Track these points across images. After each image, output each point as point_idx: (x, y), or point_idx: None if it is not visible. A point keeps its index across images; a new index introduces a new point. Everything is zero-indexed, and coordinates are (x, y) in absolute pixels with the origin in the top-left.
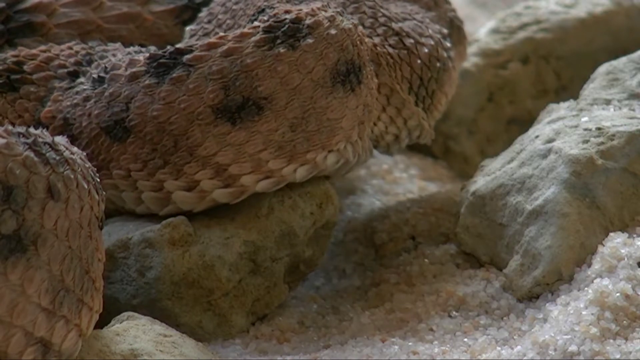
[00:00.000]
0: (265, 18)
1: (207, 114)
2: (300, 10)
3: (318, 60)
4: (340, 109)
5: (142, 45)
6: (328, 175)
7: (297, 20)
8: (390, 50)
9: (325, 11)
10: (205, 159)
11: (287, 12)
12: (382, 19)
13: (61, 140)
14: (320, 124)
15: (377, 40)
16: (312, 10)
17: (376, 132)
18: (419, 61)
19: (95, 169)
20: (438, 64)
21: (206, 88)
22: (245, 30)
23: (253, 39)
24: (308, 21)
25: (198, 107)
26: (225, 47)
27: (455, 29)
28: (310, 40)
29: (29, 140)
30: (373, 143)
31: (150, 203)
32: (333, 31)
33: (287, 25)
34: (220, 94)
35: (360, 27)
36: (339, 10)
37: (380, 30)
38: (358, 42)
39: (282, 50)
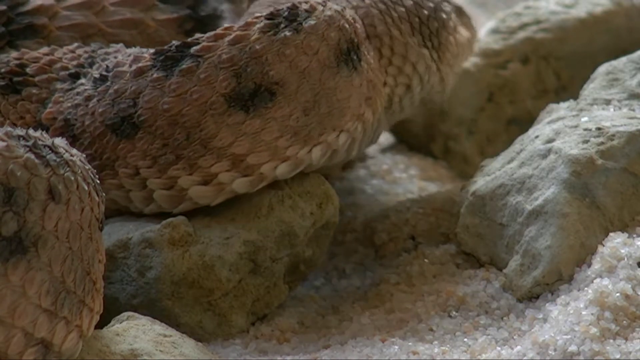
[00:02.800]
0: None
1: (220, 103)
2: None
3: (322, 41)
4: (347, 89)
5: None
6: (338, 160)
7: (294, 7)
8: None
9: None
10: (221, 150)
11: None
12: None
13: (61, 142)
14: (331, 106)
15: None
16: None
17: (387, 90)
18: (411, 2)
19: (99, 168)
20: (433, 5)
21: (218, 77)
22: (249, 19)
23: (257, 26)
24: (304, 6)
25: (210, 96)
26: (232, 36)
27: (457, 9)
28: (312, 22)
29: (29, 143)
30: (386, 107)
31: (163, 201)
32: (329, 12)
33: (287, 12)
34: (232, 81)
35: (347, 10)
36: None
37: None
38: (352, 21)
39: (287, 34)
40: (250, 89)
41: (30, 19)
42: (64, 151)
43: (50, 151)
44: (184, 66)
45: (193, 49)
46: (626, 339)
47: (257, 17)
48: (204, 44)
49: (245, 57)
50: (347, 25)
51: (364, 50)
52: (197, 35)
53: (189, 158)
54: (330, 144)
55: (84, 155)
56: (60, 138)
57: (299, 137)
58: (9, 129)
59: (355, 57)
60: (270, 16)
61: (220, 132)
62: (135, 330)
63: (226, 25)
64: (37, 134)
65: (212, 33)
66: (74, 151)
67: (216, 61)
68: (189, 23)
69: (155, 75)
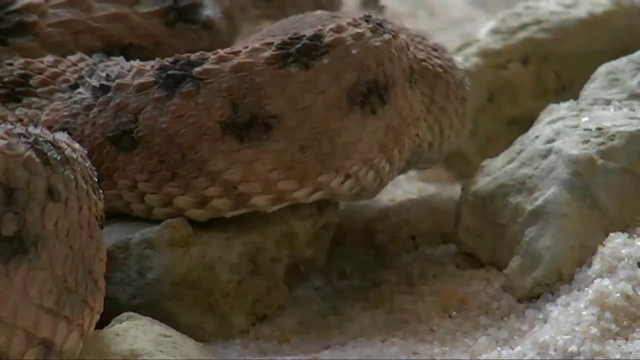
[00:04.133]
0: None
1: (215, 129)
2: (324, 26)
3: (333, 80)
4: (356, 132)
5: (141, 59)
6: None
7: (316, 38)
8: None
9: (357, 25)
10: (214, 174)
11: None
12: (417, 39)
13: (62, 136)
14: (334, 147)
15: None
16: (338, 26)
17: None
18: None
19: (98, 178)
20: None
21: (215, 104)
22: (258, 45)
23: (264, 54)
24: (328, 39)
25: (207, 121)
26: (235, 62)
27: None
28: (325, 61)
29: (30, 140)
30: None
31: (162, 217)
32: (355, 50)
33: (302, 43)
34: (228, 110)
35: (401, 41)
36: (378, 21)
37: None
38: (387, 60)
39: (292, 70)
40: (246, 120)
41: (20, 17)
42: (65, 146)
43: (51, 147)
44: (184, 90)
45: (195, 71)
46: (626, 339)
47: (267, 43)
48: (206, 66)
49: (244, 87)
50: (374, 65)
51: (396, 92)
52: (202, 53)
53: (184, 177)
54: (332, 189)
55: (86, 152)
56: (62, 132)
57: (293, 172)
58: (10, 126)
59: (376, 100)
60: (282, 45)
61: (215, 157)
62: (135, 331)
63: (234, 47)
64: (38, 130)
65: (216, 55)
66: (76, 146)
67: (216, 88)
68: (171, 14)
69: (157, 95)
